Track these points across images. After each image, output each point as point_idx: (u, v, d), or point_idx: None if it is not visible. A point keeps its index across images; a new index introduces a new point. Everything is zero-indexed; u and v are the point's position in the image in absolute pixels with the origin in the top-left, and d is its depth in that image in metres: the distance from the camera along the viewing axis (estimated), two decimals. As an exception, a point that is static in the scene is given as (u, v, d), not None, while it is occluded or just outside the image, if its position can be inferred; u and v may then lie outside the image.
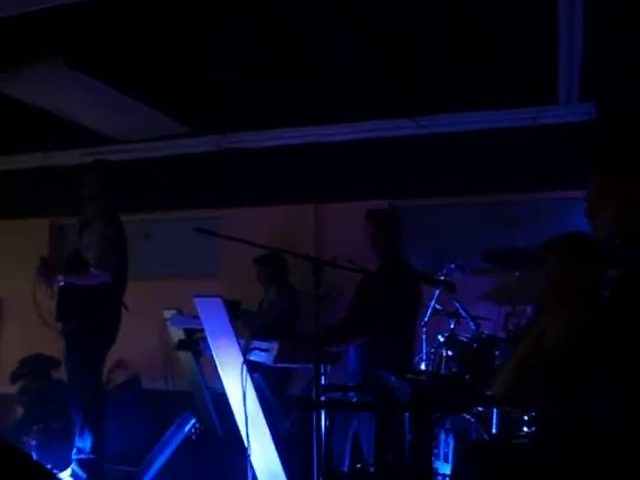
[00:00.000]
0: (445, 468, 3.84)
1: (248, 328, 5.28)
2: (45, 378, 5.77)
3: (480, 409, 3.88)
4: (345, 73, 4.19)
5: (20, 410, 5.63)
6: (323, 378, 3.19)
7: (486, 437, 3.71)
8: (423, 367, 4.53)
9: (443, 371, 4.20)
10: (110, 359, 5.03)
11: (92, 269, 4.29)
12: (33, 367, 5.78)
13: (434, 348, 4.64)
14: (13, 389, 6.47)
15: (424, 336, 4.64)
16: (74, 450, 4.32)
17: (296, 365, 4.30)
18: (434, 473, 3.78)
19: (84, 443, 4.27)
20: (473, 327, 4.51)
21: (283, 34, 3.71)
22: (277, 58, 3.99)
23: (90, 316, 4.34)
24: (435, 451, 3.99)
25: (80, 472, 4.26)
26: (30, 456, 1.49)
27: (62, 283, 4.33)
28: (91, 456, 4.28)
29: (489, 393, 2.20)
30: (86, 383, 4.36)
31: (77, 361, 4.38)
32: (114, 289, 4.46)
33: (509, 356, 2.21)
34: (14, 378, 5.78)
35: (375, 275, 3.87)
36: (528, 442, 3.05)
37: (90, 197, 4.53)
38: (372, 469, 2.92)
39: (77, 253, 4.42)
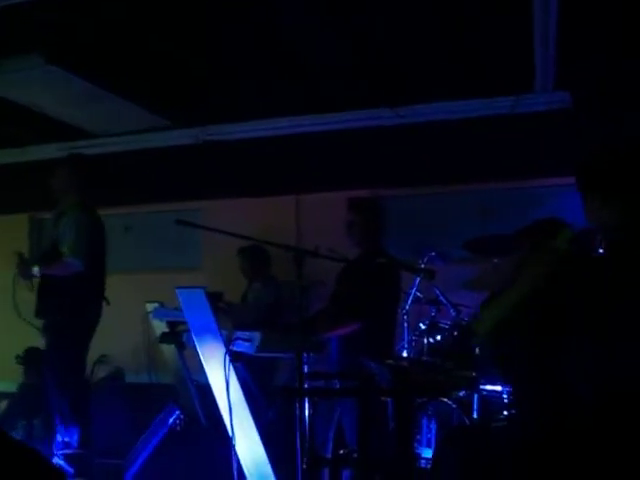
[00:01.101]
0: (428, 453, 3.89)
1: (236, 321, 5.29)
2: (39, 374, 5.78)
3: (461, 394, 3.95)
4: (324, 64, 4.21)
5: (3, 405, 5.62)
6: (306, 367, 3.22)
7: (467, 422, 3.77)
8: (405, 354, 4.57)
9: (425, 358, 4.25)
10: (93, 354, 5.03)
11: (65, 258, 4.28)
12: (31, 360, 5.78)
13: (415, 336, 4.69)
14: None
15: (405, 324, 4.68)
16: (59, 445, 4.32)
17: (279, 354, 4.32)
18: (417, 457, 3.84)
19: (71, 438, 4.28)
20: (454, 314, 4.57)
21: (262, 26, 3.72)
22: (256, 49, 4.00)
23: (69, 311, 4.34)
24: (418, 437, 4.04)
25: (67, 467, 4.26)
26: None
27: (38, 275, 4.34)
28: (78, 450, 4.28)
29: (473, 326, 2.23)
30: (70, 377, 4.36)
31: (59, 355, 4.38)
32: (92, 282, 4.45)
33: (496, 298, 2.26)
34: (17, 360, 5.81)
35: (355, 264, 3.90)
36: (506, 425, 3.11)
37: (63, 190, 4.53)
38: (355, 455, 2.96)
39: (54, 244, 4.41)
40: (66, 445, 4.29)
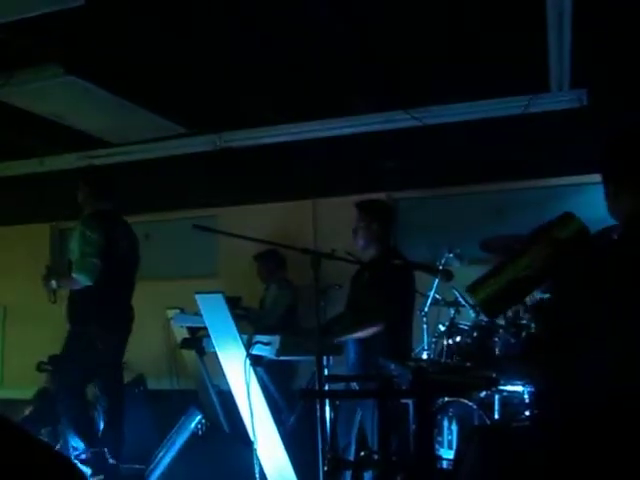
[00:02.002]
0: (449, 455, 3.89)
1: (254, 325, 5.33)
2: None
3: (482, 395, 3.94)
4: (338, 68, 4.22)
5: (27, 411, 5.68)
6: (326, 370, 3.23)
7: (488, 422, 3.76)
8: (425, 356, 4.57)
9: (444, 359, 4.25)
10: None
11: (73, 274, 4.37)
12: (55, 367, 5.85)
13: (435, 338, 4.69)
14: (18, 394, 6.53)
15: (425, 326, 4.68)
16: (70, 451, 4.40)
17: (298, 358, 4.34)
18: (438, 459, 3.83)
19: (77, 443, 4.37)
20: (473, 315, 4.56)
21: (275, 31, 3.74)
22: (269, 55, 4.02)
23: (83, 319, 4.45)
24: (439, 438, 4.04)
25: (84, 468, 4.33)
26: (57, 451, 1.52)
27: (56, 287, 4.45)
28: (88, 452, 4.35)
29: (469, 292, 2.29)
30: (68, 383, 4.47)
31: (67, 361, 4.51)
32: (110, 292, 4.48)
33: (496, 270, 2.30)
34: (39, 368, 5.89)
35: (369, 266, 3.90)
36: (528, 424, 3.09)
37: (82, 203, 4.67)
38: (376, 456, 2.96)
39: (69, 259, 4.52)
40: (74, 449, 4.37)
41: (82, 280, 4.34)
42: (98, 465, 4.34)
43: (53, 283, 4.43)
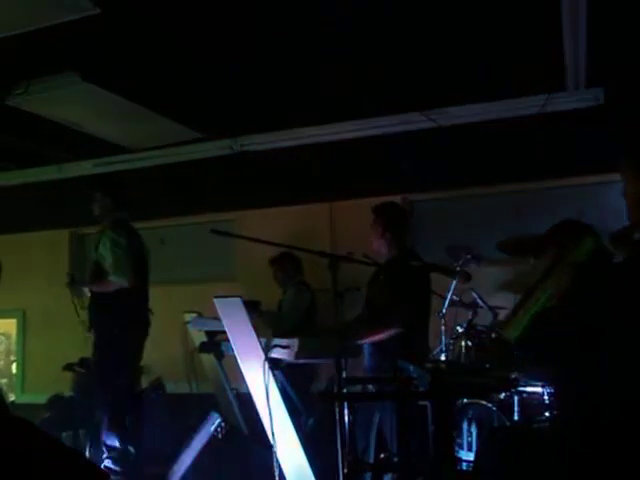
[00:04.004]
0: (469, 456, 3.87)
1: (272, 329, 5.34)
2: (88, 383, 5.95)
3: (501, 396, 3.92)
4: (353, 71, 4.23)
5: (45, 415, 5.75)
6: (344, 372, 3.23)
7: (508, 424, 3.75)
8: (443, 358, 4.56)
9: (463, 361, 4.24)
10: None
11: (110, 277, 4.57)
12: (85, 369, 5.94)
13: (453, 339, 4.68)
14: (38, 399, 6.59)
15: (442, 327, 4.66)
16: (103, 449, 4.54)
17: (317, 360, 4.34)
18: (458, 460, 3.82)
19: (112, 441, 4.51)
20: (491, 316, 4.54)
21: (288, 34, 3.75)
22: (283, 58, 4.03)
23: (118, 327, 4.64)
24: (459, 440, 4.03)
25: (115, 467, 4.44)
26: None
27: (88, 294, 4.71)
28: (121, 452, 4.50)
29: (501, 332, 2.30)
30: (110, 387, 4.61)
31: (102, 367, 4.65)
32: (137, 296, 4.75)
33: (522, 304, 2.30)
34: (69, 369, 5.99)
35: (386, 268, 3.91)
36: (548, 425, 3.08)
37: (100, 214, 4.88)
38: (396, 459, 2.96)
39: (97, 264, 4.70)
40: (110, 448, 4.52)
41: (121, 282, 4.57)
42: (128, 466, 4.53)
43: (84, 290, 4.68)
